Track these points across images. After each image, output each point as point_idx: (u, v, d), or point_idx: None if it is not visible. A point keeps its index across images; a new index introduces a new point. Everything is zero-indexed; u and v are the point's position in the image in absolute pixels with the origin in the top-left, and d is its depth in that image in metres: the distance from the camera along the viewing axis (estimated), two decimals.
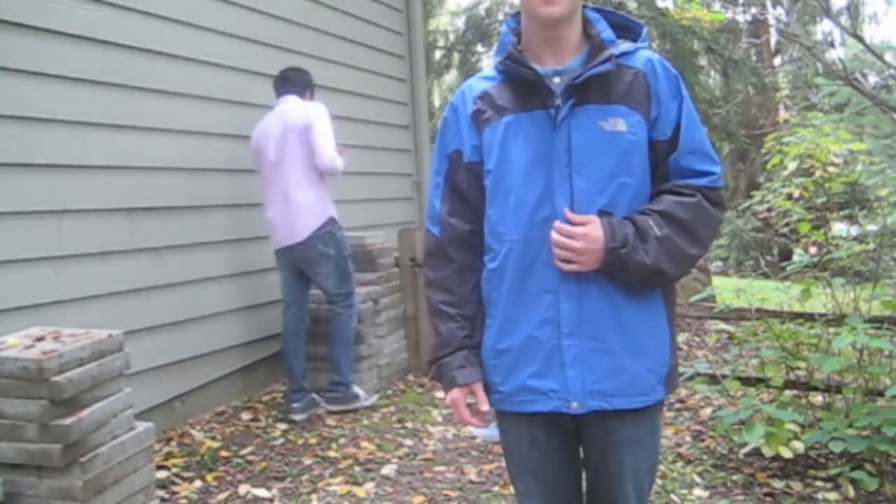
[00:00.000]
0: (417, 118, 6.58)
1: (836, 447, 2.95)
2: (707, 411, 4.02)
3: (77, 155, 3.41)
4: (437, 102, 13.34)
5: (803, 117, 6.81)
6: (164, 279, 3.84)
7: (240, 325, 4.37)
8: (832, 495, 2.99)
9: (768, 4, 13.20)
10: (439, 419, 4.14)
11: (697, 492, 3.11)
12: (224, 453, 3.60)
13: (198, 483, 3.28)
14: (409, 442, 3.79)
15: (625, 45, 1.59)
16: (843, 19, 13.25)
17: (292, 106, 4.09)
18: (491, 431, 3.74)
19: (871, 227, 4.20)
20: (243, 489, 3.23)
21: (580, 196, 1.53)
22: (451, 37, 12.27)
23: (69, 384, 2.38)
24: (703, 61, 9.66)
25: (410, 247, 4.94)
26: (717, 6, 11.60)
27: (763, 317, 3.61)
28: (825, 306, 3.61)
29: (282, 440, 3.81)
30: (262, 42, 4.63)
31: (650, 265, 1.50)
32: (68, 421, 2.37)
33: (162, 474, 3.25)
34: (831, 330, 3.33)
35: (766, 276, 6.50)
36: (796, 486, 3.10)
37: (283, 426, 3.99)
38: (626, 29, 1.64)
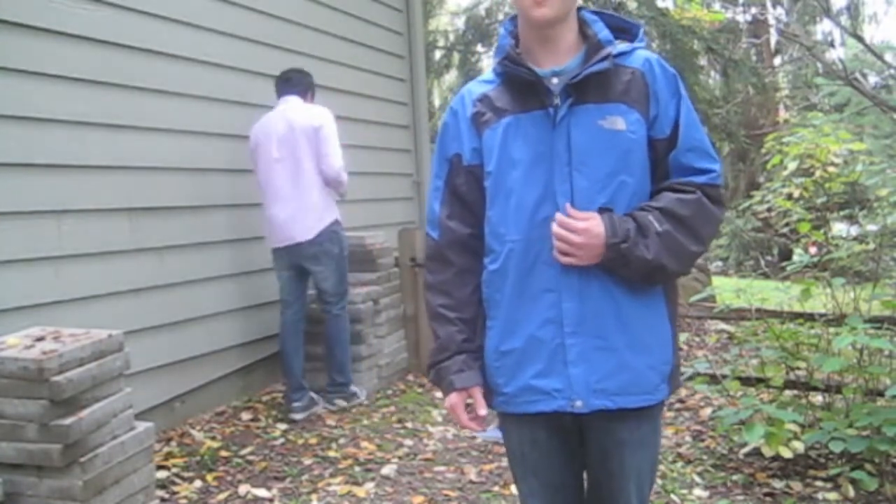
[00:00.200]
0: (417, 118, 6.58)
1: (836, 447, 2.95)
2: (707, 411, 4.02)
3: (77, 155, 3.41)
4: (437, 102, 13.34)
5: (803, 117, 6.81)
6: (164, 279, 3.84)
7: (240, 325, 4.37)
8: (832, 495, 2.99)
9: (768, 4, 13.20)
10: (439, 419, 4.15)
11: (697, 492, 3.11)
12: (224, 453, 3.60)
13: (198, 483, 3.28)
14: (409, 442, 3.80)
15: (622, 46, 1.60)
16: (843, 19, 13.25)
17: (296, 107, 4.10)
18: (491, 432, 3.76)
19: (871, 227, 4.20)
20: (243, 489, 3.23)
21: (580, 195, 1.54)
22: (451, 37, 12.27)
23: (69, 384, 2.38)
24: (703, 61, 9.66)
25: (410, 247, 4.94)
26: (717, 6, 11.60)
27: (763, 317, 3.61)
28: (825, 306, 3.61)
29: (282, 440, 3.81)
30: (263, 42, 4.63)
31: (651, 260, 1.50)
32: (68, 421, 2.37)
33: (162, 474, 3.25)
34: (831, 330, 3.33)
35: (766, 276, 6.50)
36: (796, 486, 3.10)
37: (283, 426, 3.99)
38: (623, 31, 1.65)
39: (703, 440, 3.68)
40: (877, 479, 2.93)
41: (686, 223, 1.54)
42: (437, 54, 11.90)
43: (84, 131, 3.44)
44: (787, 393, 3.54)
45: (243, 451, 3.63)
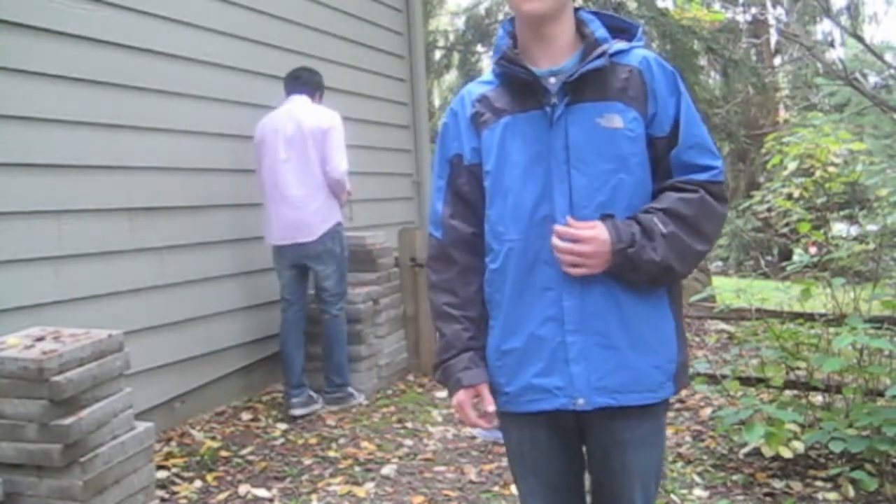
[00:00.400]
0: (417, 118, 6.58)
1: (836, 447, 2.95)
2: (707, 411, 4.02)
3: (77, 155, 3.41)
4: (437, 102, 13.34)
5: (803, 117, 6.81)
6: (164, 279, 3.84)
7: (240, 324, 4.37)
8: (832, 495, 2.99)
9: (768, 4, 13.20)
10: (439, 419, 4.14)
11: (697, 492, 3.11)
12: (224, 453, 3.60)
13: (198, 483, 3.28)
14: (409, 442, 3.80)
15: (620, 44, 1.59)
16: (843, 19, 13.25)
17: (305, 107, 4.10)
18: (491, 432, 3.76)
19: (871, 227, 4.20)
20: (243, 489, 3.23)
21: (579, 193, 1.54)
22: (451, 37, 12.26)
23: (69, 384, 2.38)
24: (703, 61, 9.66)
25: (410, 247, 4.94)
26: (717, 6, 11.59)
27: (763, 317, 3.61)
28: (825, 306, 3.61)
29: (282, 440, 3.81)
30: (263, 42, 4.63)
31: (659, 262, 1.50)
32: (68, 421, 2.37)
33: (162, 474, 3.25)
34: (831, 330, 3.33)
35: (766, 276, 6.50)
36: (796, 486, 3.10)
37: (283, 426, 3.99)
38: (622, 31, 1.65)
39: (703, 440, 3.68)
40: (877, 479, 2.93)
41: (690, 222, 1.53)
42: (437, 54, 11.89)
43: (84, 131, 3.44)
44: (787, 393, 3.54)
45: (243, 451, 3.63)
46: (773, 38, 13.16)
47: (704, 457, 3.47)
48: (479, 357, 1.65)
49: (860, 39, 5.25)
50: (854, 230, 4.67)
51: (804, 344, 3.45)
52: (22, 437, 2.36)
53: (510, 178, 1.58)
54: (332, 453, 3.64)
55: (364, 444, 3.76)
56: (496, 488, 3.21)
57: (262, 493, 3.20)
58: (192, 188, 4.06)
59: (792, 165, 3.73)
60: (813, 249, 4.23)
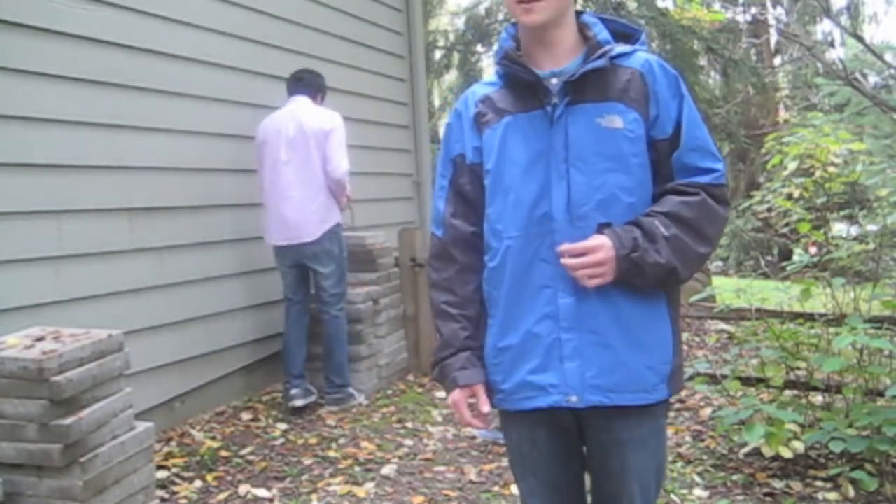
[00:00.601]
0: (417, 118, 6.58)
1: (836, 447, 2.95)
2: (707, 411, 4.02)
3: (77, 155, 3.41)
4: (437, 102, 13.34)
5: (803, 117, 6.81)
6: (164, 279, 3.84)
7: (240, 324, 4.37)
8: (832, 495, 2.99)
9: (768, 4, 13.20)
10: (439, 419, 4.15)
11: (697, 492, 3.11)
12: (224, 453, 3.60)
13: (198, 483, 3.28)
14: (409, 442, 3.80)
15: (622, 47, 1.60)
16: (843, 19, 13.25)
17: (306, 108, 4.12)
18: (491, 432, 3.76)
19: (871, 227, 4.20)
20: (243, 489, 3.23)
21: (577, 191, 1.54)
22: (451, 37, 12.26)
23: (69, 384, 2.38)
24: (703, 61, 9.65)
25: (410, 247, 4.94)
26: (717, 6, 11.59)
27: (763, 317, 3.61)
28: (825, 306, 3.61)
29: (282, 440, 3.81)
30: (263, 42, 4.63)
31: (664, 264, 1.51)
32: (68, 421, 2.37)
33: (162, 474, 3.25)
34: (831, 330, 3.33)
35: (766, 276, 6.50)
36: (796, 486, 3.10)
37: (283, 426, 3.99)
38: (626, 35, 1.66)
39: (703, 440, 3.68)
40: (877, 479, 2.93)
41: (692, 225, 1.54)
42: (437, 54, 11.89)
43: (84, 131, 3.44)
44: (787, 393, 3.54)
45: (243, 451, 3.63)
46: (773, 38, 13.16)
47: (704, 457, 3.47)
48: (476, 357, 1.66)
49: (860, 39, 5.25)
50: (854, 230, 4.67)
51: (804, 344, 3.45)
52: (22, 437, 2.36)
53: (510, 177, 1.59)
54: (332, 453, 3.64)
55: (364, 444, 3.76)
56: (496, 488, 3.21)
57: (262, 493, 3.20)
58: (193, 188, 4.06)
59: (792, 165, 3.73)
60: (813, 249, 4.23)
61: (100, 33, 3.49)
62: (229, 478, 3.35)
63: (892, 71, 5.80)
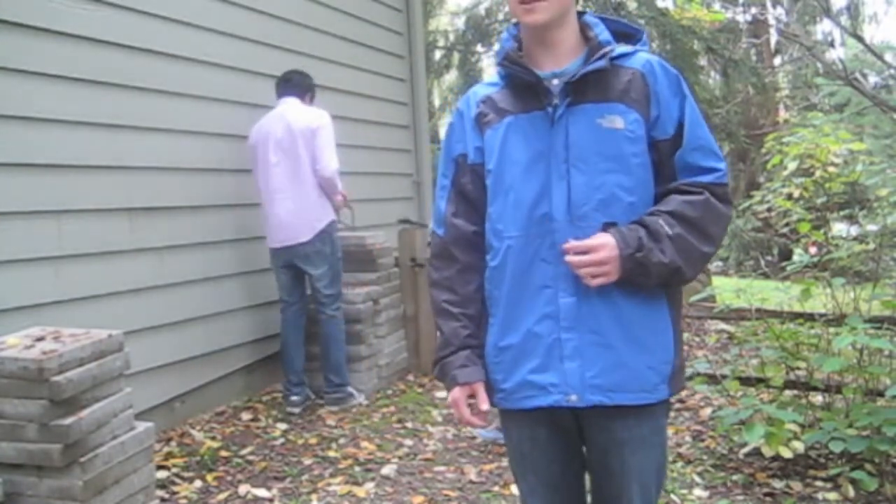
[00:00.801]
0: (417, 118, 6.58)
1: (836, 447, 2.95)
2: (707, 411, 4.02)
3: (77, 155, 3.41)
4: (437, 102, 13.34)
5: (803, 117, 6.81)
6: (164, 279, 3.84)
7: (240, 324, 4.37)
8: (832, 495, 2.99)
9: (768, 4, 13.19)
10: (439, 419, 4.14)
11: (697, 492, 3.11)
12: (224, 453, 3.60)
13: (198, 483, 3.28)
14: (409, 442, 3.80)
15: (623, 47, 1.61)
16: (843, 19, 13.25)
17: (294, 108, 4.11)
18: (491, 432, 3.75)
19: (871, 227, 4.20)
20: (243, 489, 3.23)
21: (577, 191, 1.55)
22: (451, 37, 12.27)
23: (69, 384, 2.38)
24: (703, 61, 9.65)
25: (410, 247, 4.94)
26: (717, 6, 11.58)
27: (763, 317, 3.61)
28: (825, 306, 3.61)
29: (282, 440, 3.81)
30: (263, 42, 4.63)
31: (668, 263, 1.51)
32: (68, 421, 2.37)
33: (162, 474, 3.25)
34: (831, 330, 3.33)
35: (766, 276, 6.50)
36: (796, 486, 3.10)
37: (283, 426, 3.99)
38: (627, 36, 1.66)
39: (703, 440, 3.68)
40: (877, 479, 2.93)
41: (696, 225, 1.54)
42: (437, 54, 11.89)
43: (84, 131, 3.44)
44: (787, 393, 3.54)
45: (243, 451, 3.64)
46: (773, 38, 13.16)
47: (704, 457, 3.47)
48: (477, 355, 1.67)
49: (860, 39, 5.25)
50: (854, 230, 4.67)
51: (804, 344, 3.45)
52: (22, 437, 2.36)
53: (511, 177, 1.60)
54: (332, 453, 3.64)
55: (364, 444, 3.76)
56: (496, 488, 3.21)
57: (262, 493, 3.20)
58: (192, 188, 4.06)
59: (792, 165, 3.73)
60: (813, 249, 4.23)
61: (100, 33, 3.49)
62: (229, 478, 3.35)
63: (892, 71, 5.80)
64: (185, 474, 3.35)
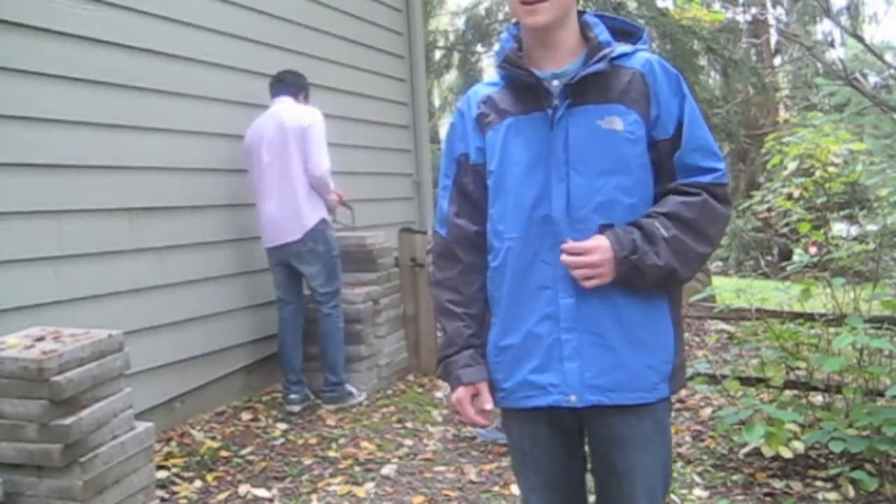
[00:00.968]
0: (417, 118, 6.58)
1: (836, 447, 2.95)
2: (707, 411, 4.02)
3: (77, 155, 3.41)
4: (437, 102, 13.34)
5: (803, 117, 6.81)
6: (164, 279, 3.84)
7: (240, 324, 4.37)
8: (832, 495, 2.99)
9: (768, 4, 13.19)
10: (439, 419, 4.14)
11: (697, 492, 3.11)
12: (224, 453, 3.60)
13: (198, 483, 3.28)
14: (409, 442, 3.80)
15: (623, 47, 1.61)
16: (843, 19, 13.25)
17: (287, 108, 4.12)
18: (491, 432, 3.75)
19: (871, 227, 4.20)
20: (243, 489, 3.23)
21: (577, 193, 1.55)
22: (451, 37, 12.27)
23: (69, 384, 2.38)
24: (703, 61, 9.65)
25: (410, 247, 4.94)
26: (717, 6, 11.58)
27: (763, 317, 3.61)
28: (825, 306, 3.61)
29: (282, 440, 3.81)
30: (263, 42, 4.63)
31: (663, 266, 1.52)
32: (68, 421, 2.37)
33: (162, 474, 3.25)
34: (831, 330, 3.33)
35: (766, 276, 6.50)
36: (796, 486, 3.10)
37: (283, 426, 3.99)
38: (627, 34, 1.66)
39: (703, 440, 3.68)
40: (877, 479, 2.93)
41: (693, 225, 1.55)
42: (437, 54, 11.89)
43: (84, 131, 3.44)
44: (787, 393, 3.54)
45: (243, 451, 3.63)
46: (773, 38, 13.16)
47: (704, 457, 3.47)
48: (480, 354, 1.68)
49: (860, 39, 5.25)
50: (854, 230, 4.67)
51: (804, 344, 3.45)
52: (22, 437, 2.36)
53: (511, 178, 1.60)
54: (332, 453, 3.64)
55: (364, 444, 3.76)
56: (496, 488, 3.21)
57: (262, 493, 3.20)
58: (192, 188, 4.06)
59: (792, 165, 3.73)
60: (813, 249, 4.23)
61: (100, 33, 3.49)
62: (229, 478, 3.35)
63: (892, 71, 5.80)
64: (185, 474, 3.35)
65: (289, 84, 4.22)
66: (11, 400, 2.36)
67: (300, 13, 5.03)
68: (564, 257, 1.53)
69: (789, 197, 3.80)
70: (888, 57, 5.72)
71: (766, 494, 3.05)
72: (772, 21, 11.29)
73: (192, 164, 4.07)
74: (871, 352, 3.25)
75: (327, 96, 4.48)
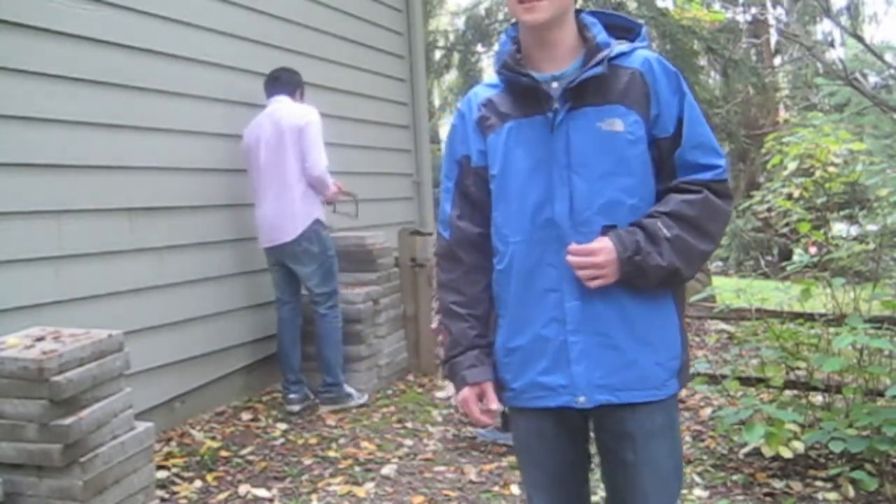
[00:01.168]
0: (417, 118, 6.58)
1: (836, 447, 2.95)
2: (707, 411, 4.02)
3: (77, 155, 3.41)
4: (437, 102, 13.34)
5: (803, 117, 6.81)
6: (164, 279, 3.84)
7: (240, 324, 4.37)
8: (832, 495, 2.99)
9: (768, 4, 13.19)
10: (439, 419, 4.15)
11: (697, 492, 3.11)
12: (224, 453, 3.60)
13: (198, 483, 3.28)
14: (409, 442, 3.80)
15: (622, 46, 1.61)
16: (843, 19, 13.24)
17: (284, 106, 4.12)
18: (491, 432, 3.75)
19: (871, 227, 4.20)
20: (243, 489, 3.23)
21: (579, 196, 1.56)
22: (451, 37, 12.26)
23: (69, 384, 2.38)
24: (703, 61, 9.65)
25: (410, 247, 4.94)
26: (717, 6, 11.58)
27: (763, 317, 3.61)
28: (825, 306, 3.61)
29: (282, 440, 3.81)
30: (263, 42, 4.62)
31: (666, 266, 1.52)
32: (68, 421, 2.37)
33: (162, 474, 3.25)
34: (831, 330, 3.33)
35: (766, 276, 6.50)
36: (796, 486, 3.10)
37: (283, 426, 3.99)
38: (625, 30, 1.66)
39: (703, 440, 3.68)
40: (877, 479, 2.93)
41: (694, 224, 1.55)
42: (437, 54, 11.89)
43: (84, 131, 3.44)
44: (787, 393, 3.54)
45: (243, 451, 3.63)
46: (773, 38, 13.15)
47: (704, 457, 3.47)
48: (485, 355, 1.68)
49: (860, 39, 5.25)
50: (854, 230, 4.67)
51: (804, 344, 3.45)
52: (22, 437, 2.36)
53: (514, 183, 1.61)
54: (332, 453, 3.64)
55: (364, 444, 3.76)
56: (496, 488, 3.21)
57: (262, 493, 3.20)
58: (192, 188, 4.06)
59: (792, 165, 3.73)
60: (813, 249, 4.23)
61: (100, 33, 3.49)
62: (229, 478, 3.35)
63: (892, 71, 5.79)
64: (185, 474, 3.35)
65: (284, 82, 4.21)
66: (11, 400, 2.36)
67: (300, 13, 5.03)
68: (570, 258, 1.54)
69: (789, 197, 3.80)
70: (888, 57, 5.72)
71: (766, 494, 3.05)
72: (772, 21, 11.29)
73: (192, 164, 4.07)
74: (871, 352, 3.25)
75: (327, 96, 4.48)
